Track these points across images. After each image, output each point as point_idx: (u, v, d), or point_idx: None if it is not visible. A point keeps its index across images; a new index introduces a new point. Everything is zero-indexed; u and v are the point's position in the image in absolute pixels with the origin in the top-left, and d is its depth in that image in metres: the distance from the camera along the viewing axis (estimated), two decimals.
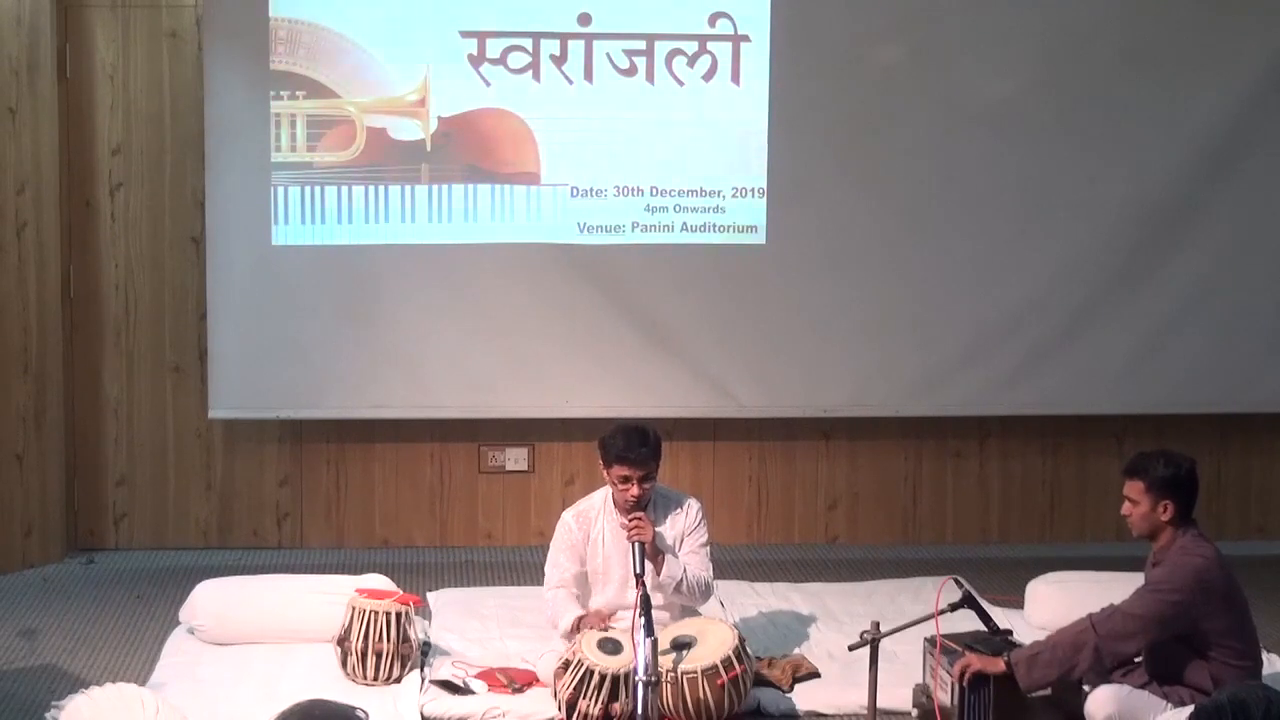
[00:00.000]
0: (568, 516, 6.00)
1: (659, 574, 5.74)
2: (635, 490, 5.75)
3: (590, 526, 5.95)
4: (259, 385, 7.53)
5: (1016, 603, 6.70)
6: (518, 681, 5.82)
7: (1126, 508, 5.44)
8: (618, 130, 7.57)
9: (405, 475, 7.85)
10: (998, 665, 5.32)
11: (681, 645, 5.60)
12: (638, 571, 5.59)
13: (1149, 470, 5.38)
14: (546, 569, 5.98)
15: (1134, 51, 7.71)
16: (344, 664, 5.89)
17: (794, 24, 7.57)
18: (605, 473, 5.86)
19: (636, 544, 5.64)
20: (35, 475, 7.42)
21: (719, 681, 5.49)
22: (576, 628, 5.72)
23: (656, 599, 5.64)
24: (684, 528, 5.94)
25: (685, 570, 5.81)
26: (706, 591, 5.90)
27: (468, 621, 6.56)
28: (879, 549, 7.97)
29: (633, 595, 5.44)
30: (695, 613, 6.04)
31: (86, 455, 7.69)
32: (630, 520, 5.71)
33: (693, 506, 5.98)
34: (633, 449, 5.75)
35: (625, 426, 5.84)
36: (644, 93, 7.57)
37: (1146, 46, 7.71)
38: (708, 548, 5.95)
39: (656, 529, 5.81)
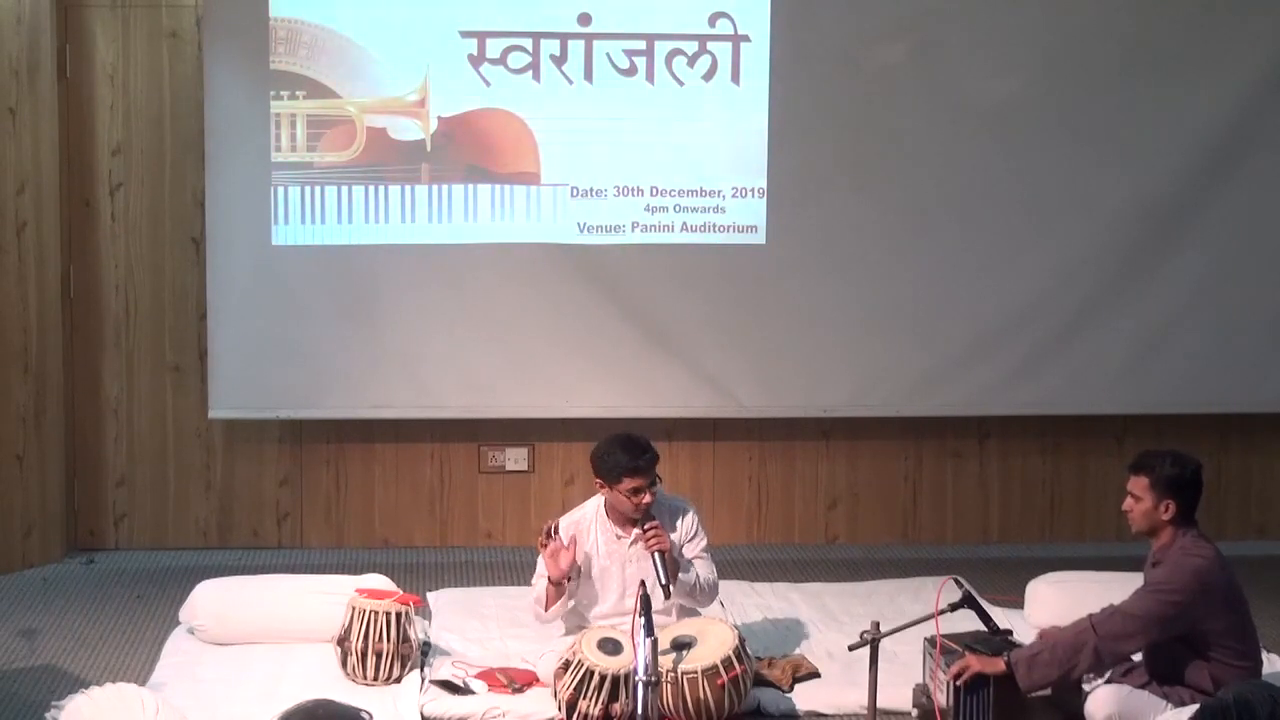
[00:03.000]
0: (560, 527, 5.96)
1: (674, 583, 5.71)
2: (647, 498, 5.73)
3: (583, 538, 5.91)
4: (259, 385, 7.53)
5: (1016, 603, 6.69)
6: (518, 681, 5.82)
7: (1128, 503, 5.44)
8: (618, 130, 7.57)
9: (405, 475, 7.85)
10: (997, 665, 5.33)
11: (681, 645, 5.61)
12: (663, 583, 5.59)
13: (1155, 468, 5.38)
14: (534, 580, 5.94)
15: (1134, 51, 7.71)
16: (344, 664, 5.89)
17: (794, 24, 7.57)
18: (608, 489, 5.80)
19: (657, 554, 5.64)
20: (35, 475, 7.42)
21: (719, 681, 5.49)
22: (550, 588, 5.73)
23: (657, 602, 5.64)
24: (684, 534, 5.93)
25: (697, 575, 5.83)
26: (714, 593, 5.92)
27: (468, 621, 6.56)
28: (879, 549, 7.97)
29: (632, 603, 5.44)
30: (695, 613, 6.04)
31: (86, 455, 7.69)
32: (647, 530, 5.69)
33: (689, 512, 5.97)
34: (638, 458, 5.73)
35: (619, 440, 5.80)
36: (644, 93, 7.57)
37: (1146, 46, 7.71)
38: (708, 550, 5.96)
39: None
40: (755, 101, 7.60)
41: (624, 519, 5.85)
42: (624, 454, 5.74)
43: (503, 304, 7.60)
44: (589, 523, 5.94)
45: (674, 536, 5.87)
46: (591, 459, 5.86)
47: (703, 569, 5.87)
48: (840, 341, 7.77)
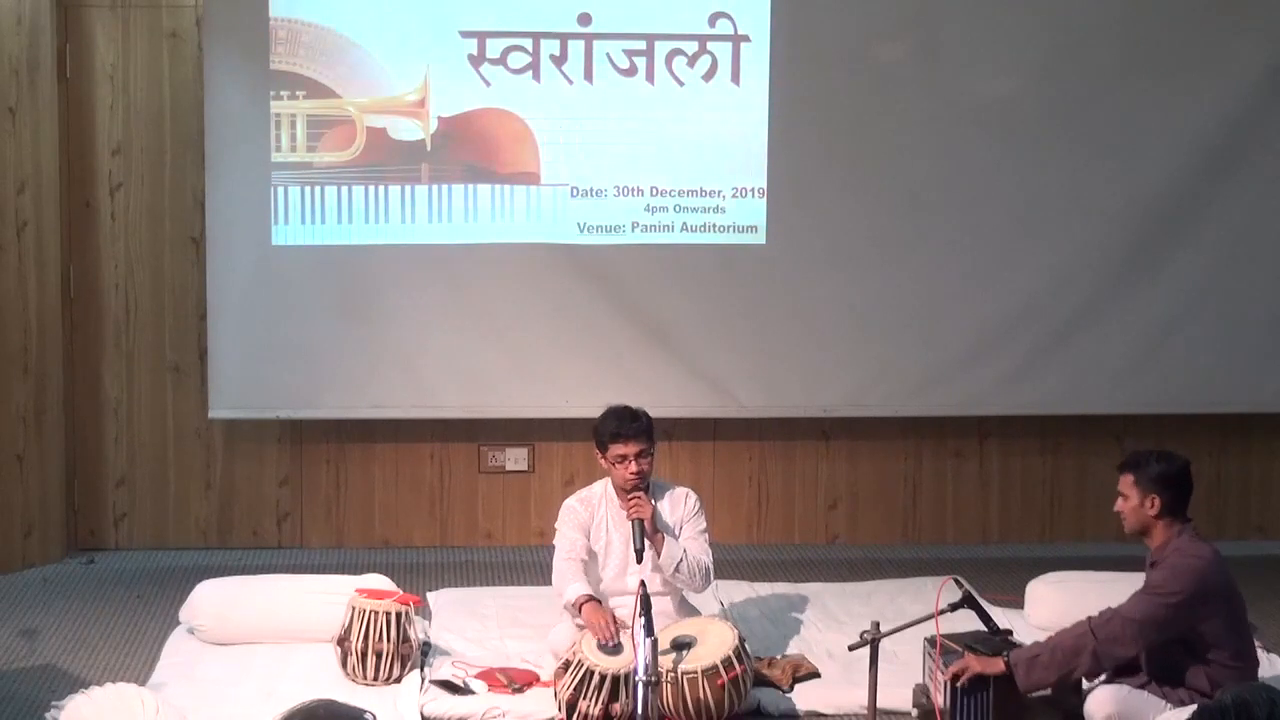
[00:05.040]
0: (572, 501, 6.07)
1: (658, 554, 5.79)
2: (634, 467, 5.81)
3: (594, 511, 6.01)
4: (259, 385, 7.53)
5: (1016, 603, 6.70)
6: (518, 681, 5.83)
7: (1119, 504, 5.47)
8: (618, 130, 7.57)
9: (405, 475, 7.85)
10: (997, 666, 5.33)
11: (681, 645, 5.61)
12: (637, 547, 5.70)
13: (1140, 465, 5.41)
14: (557, 541, 6.00)
15: (1134, 52, 7.71)
16: (344, 664, 5.89)
17: (794, 24, 7.57)
18: (602, 460, 5.91)
19: (635, 521, 5.72)
20: (35, 475, 7.42)
21: (719, 681, 5.49)
22: (579, 609, 5.72)
23: (655, 582, 5.71)
24: (683, 514, 6.00)
25: (685, 552, 5.86)
26: (707, 576, 5.94)
27: (468, 621, 6.56)
28: (879, 549, 7.97)
29: (633, 582, 5.52)
30: (696, 612, 6.06)
31: (86, 455, 7.69)
32: (629, 499, 5.78)
33: (690, 495, 6.06)
34: (625, 424, 5.84)
35: (613, 409, 5.94)
36: (644, 93, 7.57)
37: (1146, 47, 7.71)
38: (706, 534, 6.01)
39: (656, 509, 5.87)
40: (755, 101, 7.60)
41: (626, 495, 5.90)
42: (613, 420, 5.87)
43: (503, 304, 7.60)
44: (598, 498, 6.03)
45: (671, 515, 5.95)
46: (593, 428, 5.97)
47: (694, 548, 5.91)
48: (840, 341, 7.77)
